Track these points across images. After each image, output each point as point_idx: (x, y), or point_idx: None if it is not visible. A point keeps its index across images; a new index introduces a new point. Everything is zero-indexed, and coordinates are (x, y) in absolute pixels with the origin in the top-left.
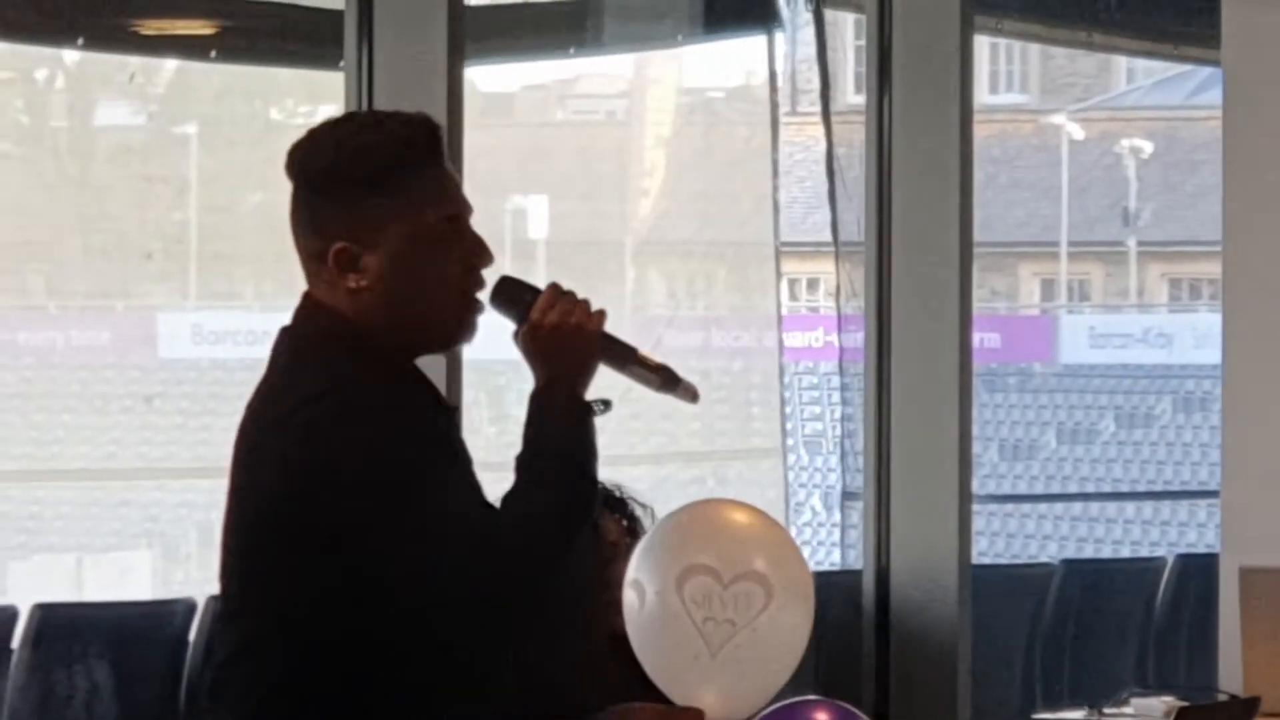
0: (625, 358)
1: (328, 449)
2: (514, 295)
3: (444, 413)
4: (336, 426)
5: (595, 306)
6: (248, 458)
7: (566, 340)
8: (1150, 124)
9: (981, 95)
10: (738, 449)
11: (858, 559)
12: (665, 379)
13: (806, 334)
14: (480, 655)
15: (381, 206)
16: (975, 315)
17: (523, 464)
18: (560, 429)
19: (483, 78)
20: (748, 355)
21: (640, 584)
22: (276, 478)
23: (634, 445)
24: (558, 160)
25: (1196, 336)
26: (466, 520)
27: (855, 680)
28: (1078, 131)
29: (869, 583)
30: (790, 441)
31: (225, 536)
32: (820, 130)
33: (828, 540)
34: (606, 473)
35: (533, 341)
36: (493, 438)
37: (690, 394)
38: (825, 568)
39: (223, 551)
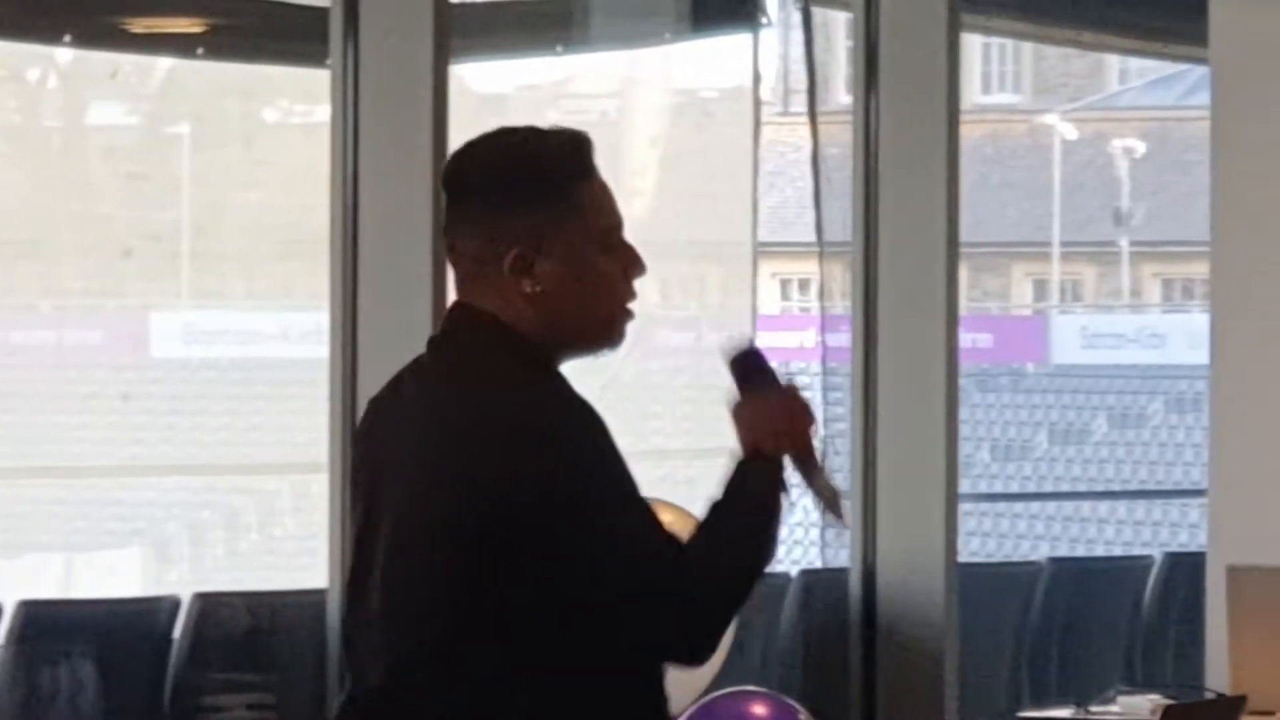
0: (813, 467)
1: (571, 434)
2: (757, 367)
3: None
4: (573, 414)
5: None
6: (434, 455)
7: (799, 437)
8: (1143, 124)
9: (974, 95)
10: (720, 447)
11: (835, 557)
12: (831, 500)
13: (799, 334)
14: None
15: (556, 213)
16: (967, 316)
17: (718, 511)
18: (764, 493)
19: (478, 79)
20: None
21: None
22: (509, 465)
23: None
24: None
25: (1189, 337)
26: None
27: (842, 678)
28: (1070, 131)
29: (855, 582)
30: None
31: (409, 536)
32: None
33: (819, 539)
34: None
35: (763, 415)
36: None
37: (839, 520)
38: (816, 566)
39: (400, 555)
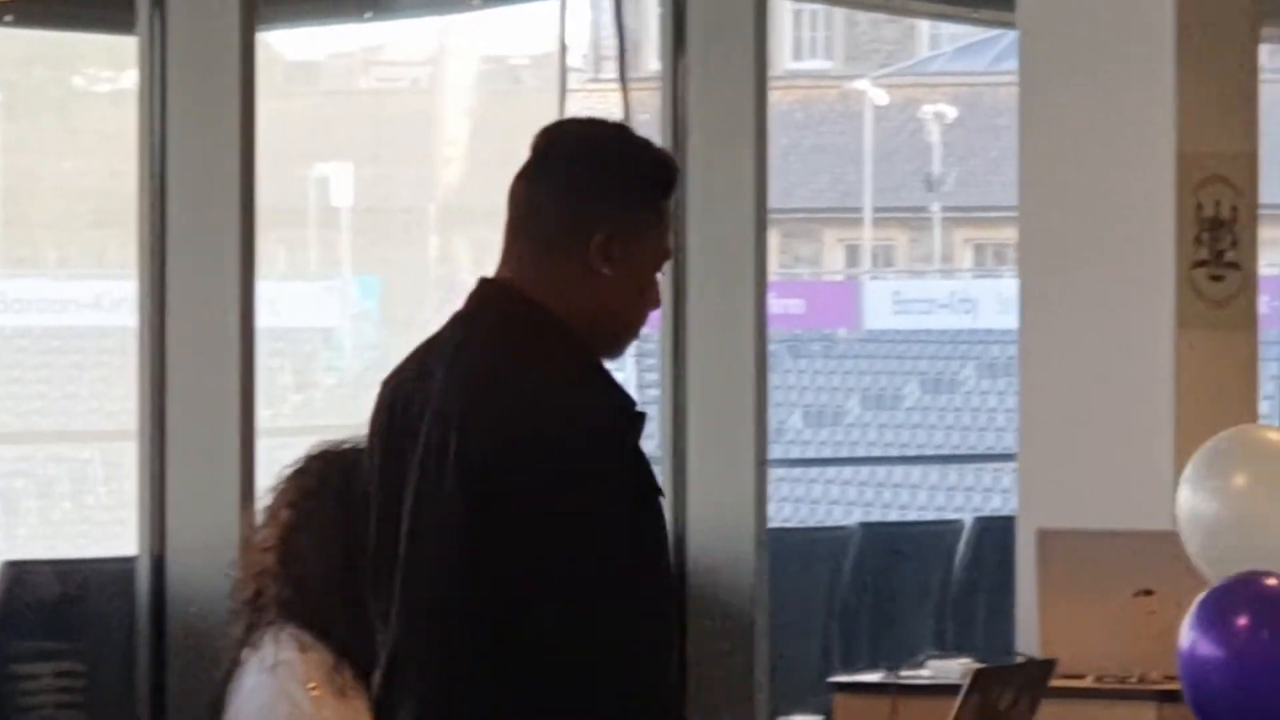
0: None
1: (623, 417)
2: None
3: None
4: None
5: (398, 274)
6: (489, 428)
7: None
8: (954, 89)
9: (786, 61)
10: None
11: None
12: None
13: None
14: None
15: (646, 217)
16: (778, 281)
17: None
18: None
19: (288, 45)
20: None
21: None
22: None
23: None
24: (361, 127)
25: (1001, 302)
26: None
27: None
28: (882, 97)
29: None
30: None
31: (430, 519)
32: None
33: None
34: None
35: None
36: (298, 404)
37: None
38: None
39: (419, 540)
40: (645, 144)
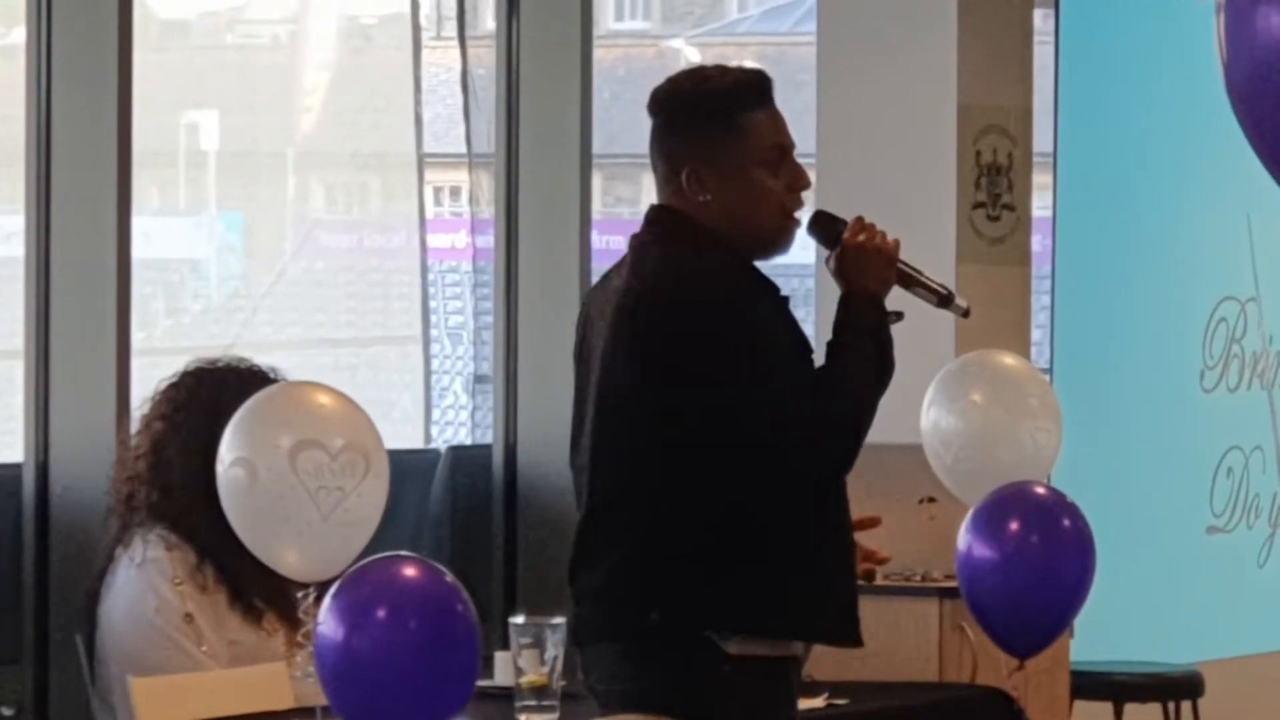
0: (913, 279)
1: (718, 302)
2: (826, 225)
3: (777, 294)
4: (721, 284)
5: (258, 211)
6: (617, 330)
7: (870, 258)
8: (760, 48)
9: (608, 22)
10: (382, 336)
11: (483, 435)
12: (942, 298)
13: (451, 236)
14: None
15: (724, 138)
16: (602, 220)
17: (833, 347)
18: (866, 324)
19: (162, 4)
20: (396, 255)
21: (250, 461)
22: (669, 334)
23: (279, 331)
24: (228, 79)
25: (800, 239)
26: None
27: (487, 544)
28: (695, 55)
29: (499, 457)
30: (435, 333)
31: (605, 401)
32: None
33: (469, 421)
34: (260, 357)
35: (844, 260)
36: (169, 328)
37: (962, 310)
38: (464, 443)
39: (599, 416)
40: (708, 76)
